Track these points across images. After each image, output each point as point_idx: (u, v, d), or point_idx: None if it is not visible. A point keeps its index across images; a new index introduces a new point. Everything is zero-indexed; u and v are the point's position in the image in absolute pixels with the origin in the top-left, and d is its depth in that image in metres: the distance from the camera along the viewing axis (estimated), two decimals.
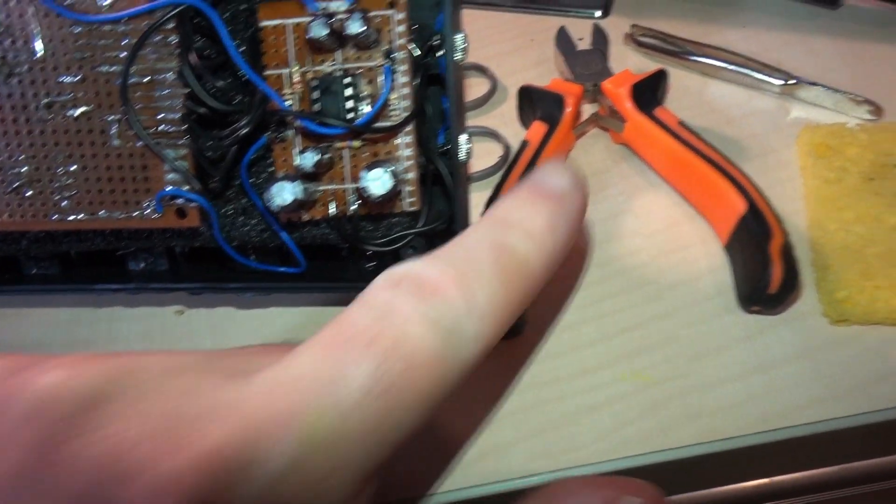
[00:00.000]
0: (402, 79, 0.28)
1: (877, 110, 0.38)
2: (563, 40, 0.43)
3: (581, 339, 0.33)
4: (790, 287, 0.30)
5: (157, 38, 0.28)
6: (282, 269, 0.31)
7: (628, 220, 0.37)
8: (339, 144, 0.29)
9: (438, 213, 0.31)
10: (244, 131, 0.28)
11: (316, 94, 0.28)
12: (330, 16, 0.28)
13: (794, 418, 0.29)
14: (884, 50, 0.42)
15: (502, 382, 0.32)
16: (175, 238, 0.31)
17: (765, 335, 0.32)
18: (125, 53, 0.28)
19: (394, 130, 0.29)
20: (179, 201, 0.29)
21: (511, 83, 0.45)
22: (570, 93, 0.38)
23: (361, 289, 0.31)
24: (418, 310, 0.19)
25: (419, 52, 0.29)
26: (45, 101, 0.28)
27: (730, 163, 0.34)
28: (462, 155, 0.29)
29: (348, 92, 0.28)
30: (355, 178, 0.29)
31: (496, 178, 0.39)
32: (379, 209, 0.29)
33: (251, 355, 0.20)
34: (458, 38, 0.28)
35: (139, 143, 0.28)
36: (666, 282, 0.34)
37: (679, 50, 0.43)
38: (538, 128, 0.37)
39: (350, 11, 0.27)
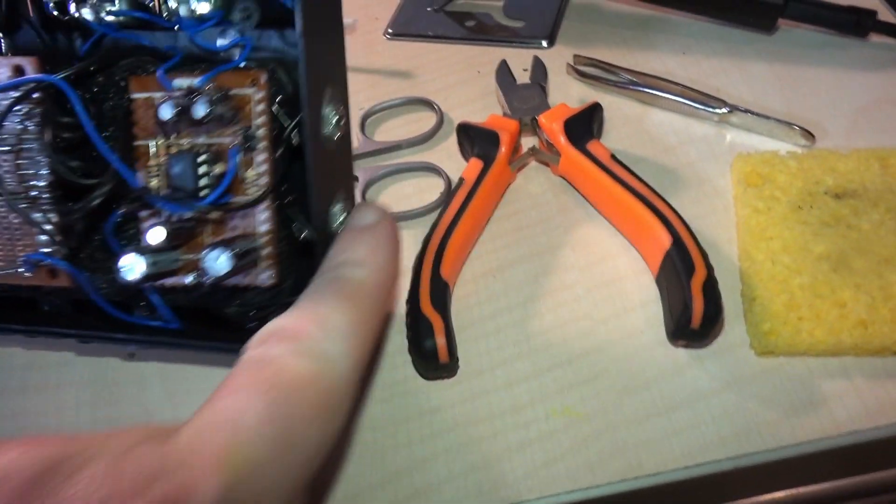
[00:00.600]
0: (260, 156, 0.28)
1: (808, 136, 0.39)
2: (503, 74, 0.43)
3: (515, 375, 0.33)
4: (712, 322, 0.31)
5: (26, 109, 0.28)
6: (154, 323, 0.31)
7: (564, 253, 0.37)
8: (197, 216, 0.29)
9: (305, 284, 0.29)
10: (95, 202, 0.28)
11: (168, 170, 0.28)
12: (192, 93, 0.27)
13: (717, 452, 0.30)
14: (817, 73, 0.43)
15: (436, 421, 0.32)
16: (51, 295, 0.31)
17: (693, 368, 0.32)
18: None
19: (251, 206, 0.28)
20: (49, 262, 0.30)
21: (457, 116, 0.45)
22: (505, 129, 0.39)
23: (236, 349, 0.30)
24: (287, 349, 0.22)
25: (290, 124, 0.28)
26: None
27: (658, 197, 0.34)
28: (333, 226, 0.29)
29: (202, 169, 0.28)
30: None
31: (435, 215, 0.39)
32: (236, 282, 0.29)
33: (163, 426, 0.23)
34: (329, 111, 0.27)
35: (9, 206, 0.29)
36: (599, 315, 0.35)
37: (619, 79, 0.44)
38: (474, 165, 0.38)
39: (200, 93, 0.27)
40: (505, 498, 0.30)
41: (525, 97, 0.42)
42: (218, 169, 0.28)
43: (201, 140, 0.28)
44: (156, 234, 0.27)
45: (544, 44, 0.48)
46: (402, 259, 0.29)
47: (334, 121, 0.27)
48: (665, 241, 0.33)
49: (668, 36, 0.46)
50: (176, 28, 0.28)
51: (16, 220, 0.30)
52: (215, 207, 0.28)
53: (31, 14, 0.29)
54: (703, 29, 0.46)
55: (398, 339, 0.35)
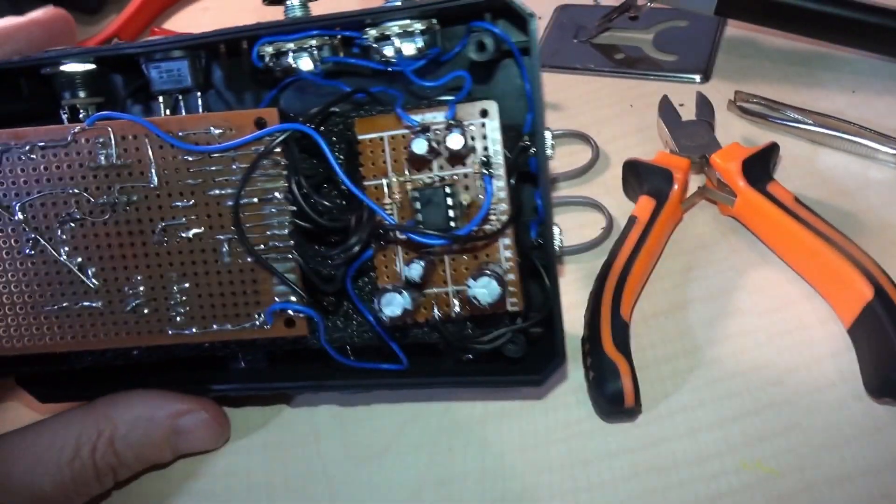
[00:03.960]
0: (497, 183, 0.29)
1: None
2: (667, 110, 0.43)
3: (697, 422, 0.32)
4: None
5: (266, 161, 0.29)
6: (385, 366, 0.32)
7: (740, 297, 0.36)
8: (439, 251, 0.30)
9: (534, 308, 0.31)
10: (355, 250, 0.28)
11: (417, 205, 0.29)
12: (426, 129, 0.28)
13: None
14: None
15: (616, 466, 0.32)
16: (282, 344, 0.32)
17: (888, 430, 0.31)
18: (236, 177, 0.29)
19: (491, 237, 0.29)
20: (289, 312, 0.30)
21: (611, 150, 0.45)
22: (677, 167, 0.38)
23: (462, 382, 0.31)
24: None
25: (510, 156, 0.29)
26: (161, 225, 0.29)
27: (853, 244, 0.33)
28: (556, 247, 0.29)
29: (449, 202, 0.29)
30: (456, 282, 0.30)
31: (598, 251, 0.39)
32: (482, 311, 0.30)
33: None
34: (548, 135, 0.28)
35: (249, 260, 0.30)
36: (784, 365, 0.33)
37: (786, 117, 0.43)
38: (646, 203, 0.37)
39: (449, 126, 0.28)
40: None
41: (692, 134, 0.41)
42: (464, 199, 0.29)
43: (436, 174, 0.29)
44: (415, 270, 0.28)
45: (697, 79, 0.47)
46: None
47: (550, 143, 0.28)
48: (866, 291, 0.31)
49: (836, 73, 0.45)
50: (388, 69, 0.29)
51: (249, 275, 0.30)
52: (468, 238, 0.29)
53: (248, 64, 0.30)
54: (873, 66, 0.45)
55: (574, 376, 0.35)
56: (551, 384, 0.35)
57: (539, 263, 0.30)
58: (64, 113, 0.30)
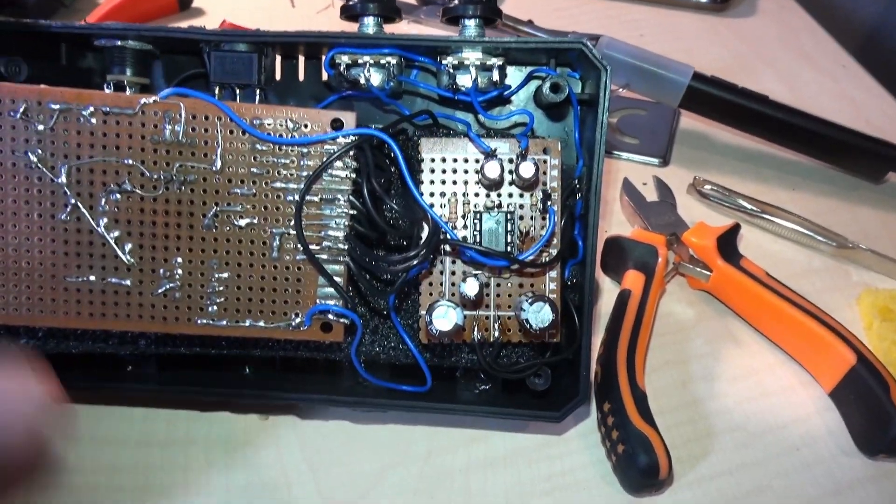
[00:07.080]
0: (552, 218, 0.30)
1: None
2: (631, 191, 0.45)
3: (677, 482, 0.34)
4: None
5: (337, 162, 0.29)
6: (406, 387, 0.31)
7: (709, 363, 0.38)
8: (487, 275, 0.30)
9: (561, 344, 0.32)
10: (415, 262, 0.28)
11: (478, 227, 0.30)
12: (494, 155, 0.30)
13: None
14: None
15: None
16: (312, 350, 0.31)
17: (855, 490, 0.33)
18: (302, 174, 0.29)
19: (543, 266, 0.30)
20: (331, 317, 0.29)
21: None
22: (657, 242, 0.40)
23: (481, 412, 0.31)
24: None
25: (570, 189, 0.31)
26: (215, 209, 0.28)
27: (827, 314, 0.36)
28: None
29: (508, 227, 0.30)
30: (499, 307, 0.30)
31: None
32: (521, 338, 0.31)
33: None
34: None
35: (298, 258, 0.29)
36: (753, 428, 0.36)
37: (739, 204, 0.47)
38: (635, 277, 0.38)
39: (520, 156, 0.30)
40: None
41: (659, 214, 0.44)
42: (522, 227, 0.30)
43: (494, 201, 0.30)
44: (471, 286, 0.28)
45: (657, 162, 0.51)
46: None
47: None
48: (848, 357, 0.34)
49: (777, 171, 0.50)
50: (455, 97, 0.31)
51: (295, 273, 0.29)
52: (522, 263, 0.29)
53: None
54: (810, 169, 0.50)
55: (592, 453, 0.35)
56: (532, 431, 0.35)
57: (571, 303, 0.31)
58: (108, 87, 0.29)
